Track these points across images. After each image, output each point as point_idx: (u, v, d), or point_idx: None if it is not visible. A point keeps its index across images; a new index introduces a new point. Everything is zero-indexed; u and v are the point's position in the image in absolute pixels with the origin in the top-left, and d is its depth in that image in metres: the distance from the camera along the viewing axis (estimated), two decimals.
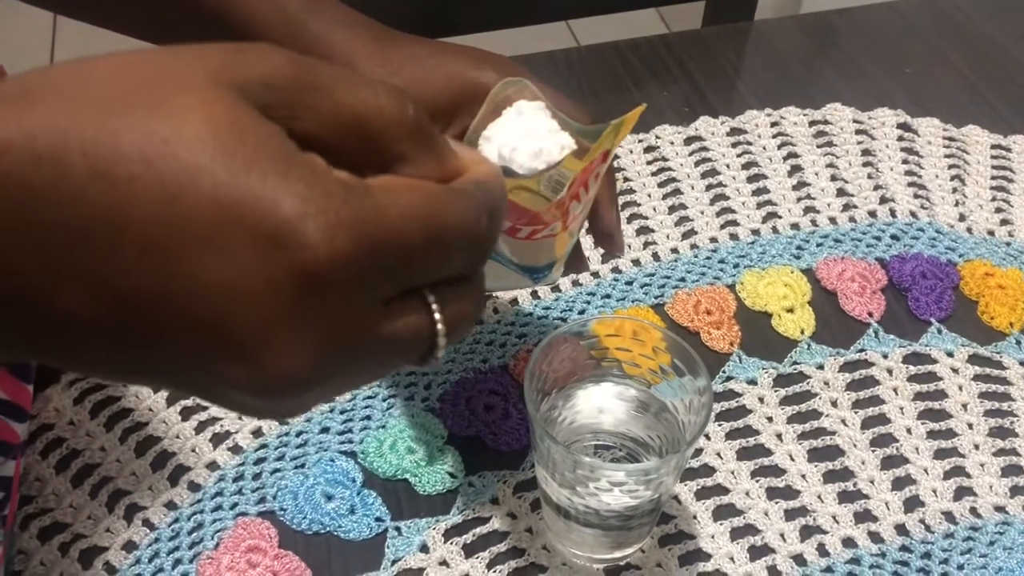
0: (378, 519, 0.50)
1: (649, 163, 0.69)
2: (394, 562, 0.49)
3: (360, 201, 0.23)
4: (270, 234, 0.22)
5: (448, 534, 0.50)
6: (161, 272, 0.22)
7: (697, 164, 0.70)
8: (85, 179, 0.21)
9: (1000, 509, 0.52)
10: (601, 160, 0.42)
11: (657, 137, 0.71)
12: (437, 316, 0.27)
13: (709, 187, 0.68)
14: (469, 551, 0.49)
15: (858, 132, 0.72)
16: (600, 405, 0.49)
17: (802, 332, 0.59)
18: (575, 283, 0.62)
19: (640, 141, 0.71)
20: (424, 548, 0.49)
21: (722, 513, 0.51)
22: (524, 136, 0.40)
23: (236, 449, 0.53)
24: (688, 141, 0.71)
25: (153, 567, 0.48)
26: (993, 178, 0.70)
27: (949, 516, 0.51)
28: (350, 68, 0.26)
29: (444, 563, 0.49)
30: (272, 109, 0.24)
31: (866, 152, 0.71)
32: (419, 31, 0.91)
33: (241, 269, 0.22)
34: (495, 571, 0.49)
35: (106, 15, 0.51)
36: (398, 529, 0.50)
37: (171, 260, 0.22)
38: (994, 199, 0.68)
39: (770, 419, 0.55)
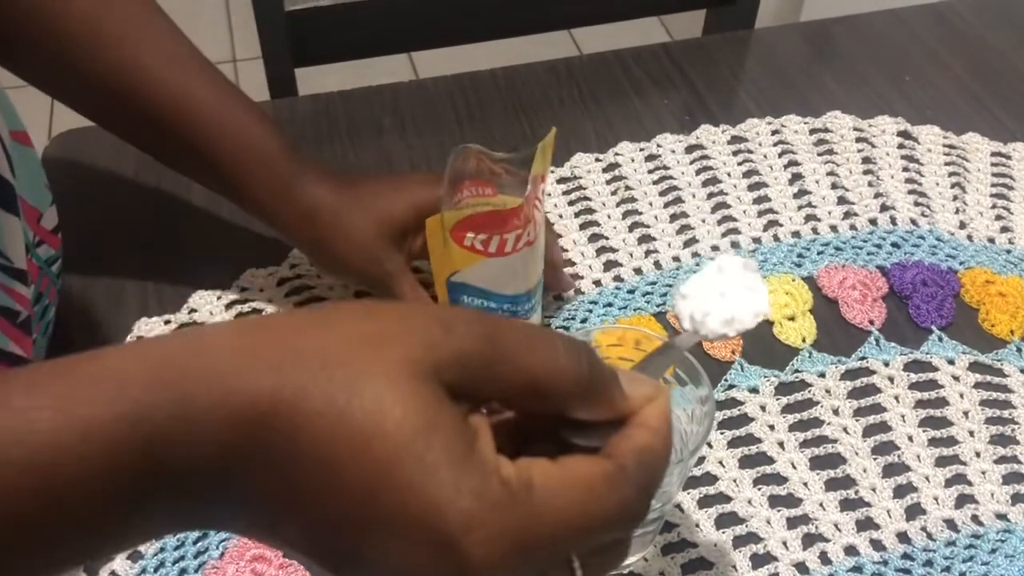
0: None
1: (650, 171, 0.70)
2: None
3: (518, 510, 0.27)
4: (441, 541, 0.26)
5: None
6: (355, 542, 0.27)
7: (698, 172, 0.70)
8: (312, 462, 0.27)
9: (1002, 517, 0.52)
10: (541, 180, 0.50)
11: (658, 146, 0.72)
12: None
13: (710, 195, 0.68)
14: None
15: (858, 140, 0.73)
16: None
17: (803, 340, 0.60)
18: (577, 291, 0.62)
19: (641, 150, 0.71)
20: None
21: (725, 521, 0.51)
22: (720, 295, 0.40)
23: None
24: (689, 149, 0.72)
25: (159, 575, 0.49)
26: (993, 185, 0.70)
27: (951, 524, 0.52)
28: (495, 325, 0.30)
29: None
30: (461, 387, 0.28)
31: (866, 160, 0.71)
32: (423, 42, 0.91)
33: (416, 562, 0.27)
34: None
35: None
36: None
37: (364, 538, 0.27)
38: (994, 206, 0.69)
39: (772, 427, 0.55)
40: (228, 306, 0.60)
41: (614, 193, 0.68)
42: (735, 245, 0.65)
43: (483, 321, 0.29)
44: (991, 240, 0.66)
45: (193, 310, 0.60)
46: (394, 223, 0.54)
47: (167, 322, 0.59)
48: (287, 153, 0.54)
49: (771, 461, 0.54)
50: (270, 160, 0.54)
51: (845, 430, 0.55)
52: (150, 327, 0.59)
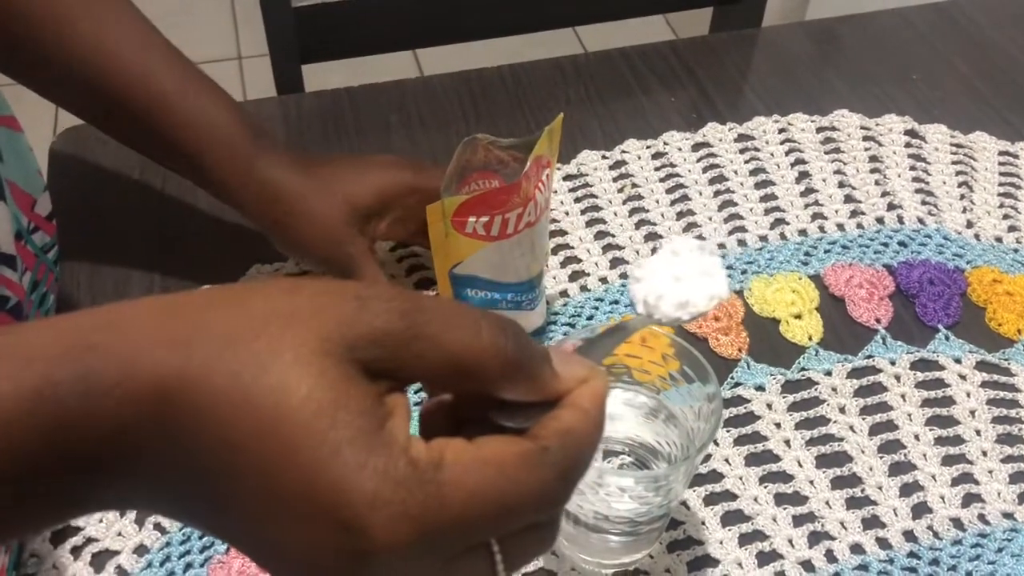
0: None
1: (657, 169, 0.70)
2: None
3: (425, 488, 0.26)
4: (344, 521, 0.26)
5: None
6: (259, 523, 0.27)
7: (705, 170, 0.70)
8: (215, 441, 0.26)
9: (1008, 516, 0.52)
10: (546, 164, 0.50)
11: (665, 143, 0.71)
12: (500, 567, 0.28)
13: (717, 193, 0.68)
14: None
15: (865, 139, 0.73)
16: (609, 411, 0.49)
17: (810, 338, 0.60)
18: (583, 288, 0.62)
19: (648, 147, 0.71)
20: None
21: (730, 519, 0.51)
22: (674, 280, 0.40)
23: None
24: (696, 147, 0.71)
25: (165, 571, 0.49)
26: (1001, 184, 0.70)
27: (957, 522, 0.52)
28: (423, 301, 0.29)
29: None
30: (378, 363, 0.27)
31: (873, 158, 0.71)
32: (429, 39, 0.91)
33: (319, 544, 0.26)
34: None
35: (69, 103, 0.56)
36: None
37: (268, 519, 0.26)
38: (1002, 206, 0.69)
39: (778, 425, 0.55)
40: None
41: (621, 191, 0.68)
42: (741, 243, 0.65)
43: (402, 297, 0.28)
44: (998, 239, 0.66)
45: None
46: (357, 206, 0.55)
47: None
48: (249, 134, 0.54)
49: (777, 459, 0.54)
50: (231, 141, 0.54)
51: (851, 428, 0.55)
52: None
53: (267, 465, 0.26)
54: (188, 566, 0.49)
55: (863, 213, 0.67)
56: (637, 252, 0.64)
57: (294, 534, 0.26)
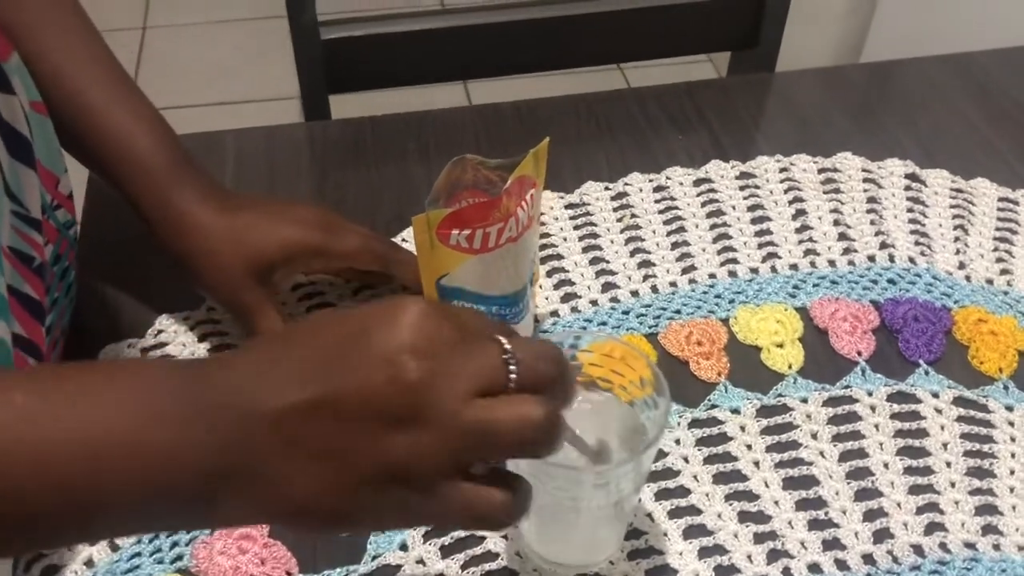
0: None
1: (657, 201, 0.72)
2: (374, 558, 0.52)
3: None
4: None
5: (428, 535, 0.53)
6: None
7: (704, 204, 0.72)
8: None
9: (970, 546, 0.52)
10: (531, 185, 0.54)
11: (668, 178, 0.74)
12: (507, 346, 0.36)
13: (713, 226, 0.71)
14: (446, 552, 0.52)
15: (866, 180, 0.74)
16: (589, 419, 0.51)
17: (790, 367, 0.61)
18: (574, 309, 0.65)
19: (651, 181, 0.74)
20: (404, 547, 0.52)
21: (692, 532, 0.53)
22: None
23: None
24: (698, 183, 0.74)
25: (152, 547, 0.52)
26: (997, 229, 0.71)
27: (918, 549, 0.52)
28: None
29: (421, 561, 0.52)
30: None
31: (872, 199, 0.73)
32: (451, 75, 0.96)
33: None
34: (468, 572, 0.51)
35: None
36: None
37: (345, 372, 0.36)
38: (996, 249, 0.69)
39: (749, 447, 0.57)
40: None
41: (619, 220, 0.71)
42: (732, 274, 0.67)
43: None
44: (989, 281, 0.67)
45: (212, 308, 0.64)
46: (261, 260, 0.57)
47: (186, 319, 0.64)
48: (171, 164, 0.57)
49: (745, 479, 0.55)
50: (152, 169, 0.56)
51: (822, 454, 0.57)
52: (171, 323, 0.63)
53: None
54: (174, 544, 0.52)
55: (855, 251, 0.69)
56: (629, 278, 0.67)
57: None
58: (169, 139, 0.58)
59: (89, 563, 0.52)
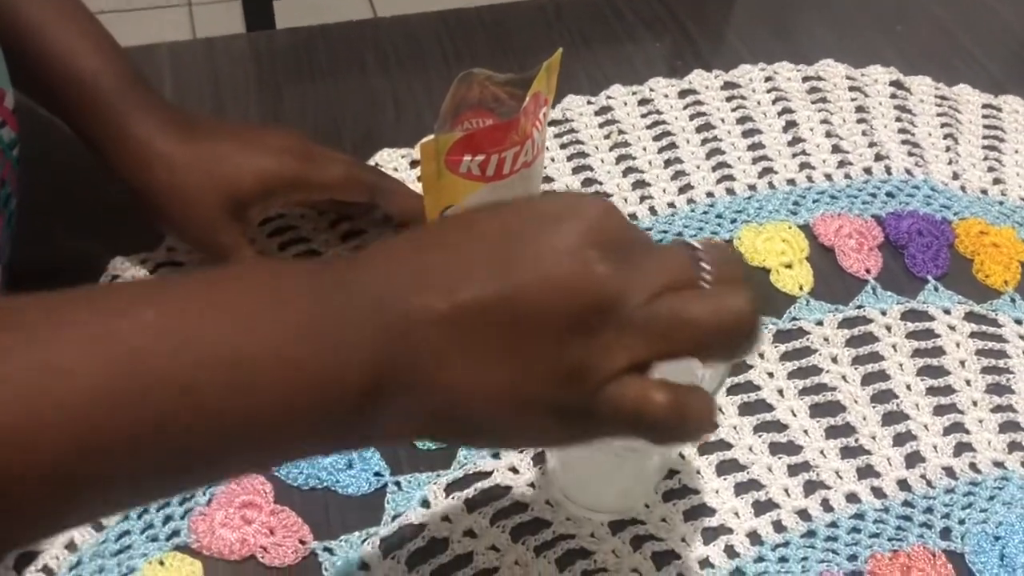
0: (377, 474, 0.49)
1: (643, 116, 0.68)
2: (395, 517, 0.47)
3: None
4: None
5: (449, 489, 0.49)
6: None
7: (692, 118, 0.68)
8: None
9: (999, 464, 0.52)
10: (544, 102, 0.49)
11: (651, 90, 0.70)
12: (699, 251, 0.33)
13: (704, 141, 0.67)
14: (471, 506, 0.48)
15: (851, 88, 0.72)
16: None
17: (801, 288, 0.59)
18: None
19: (634, 94, 0.69)
20: (425, 503, 0.48)
21: (726, 468, 0.51)
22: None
23: None
24: (682, 95, 0.70)
25: (143, 523, 0.46)
26: (985, 137, 0.70)
27: (949, 471, 0.51)
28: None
29: (446, 518, 0.48)
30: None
31: (860, 109, 0.70)
32: None
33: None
34: (498, 526, 0.47)
35: None
36: (398, 484, 0.48)
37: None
38: (986, 158, 0.68)
39: (771, 375, 0.55)
40: None
41: (607, 137, 0.66)
42: (730, 192, 0.64)
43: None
44: (983, 191, 0.66)
45: (171, 248, 0.57)
46: (236, 195, 0.50)
47: (144, 261, 0.56)
48: (124, 87, 0.50)
49: (771, 408, 0.53)
50: (101, 92, 0.49)
51: (844, 378, 0.55)
52: (127, 265, 0.56)
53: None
54: (167, 519, 0.47)
55: (851, 163, 0.66)
56: (625, 200, 0.63)
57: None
58: (119, 59, 0.51)
59: (71, 546, 0.46)
